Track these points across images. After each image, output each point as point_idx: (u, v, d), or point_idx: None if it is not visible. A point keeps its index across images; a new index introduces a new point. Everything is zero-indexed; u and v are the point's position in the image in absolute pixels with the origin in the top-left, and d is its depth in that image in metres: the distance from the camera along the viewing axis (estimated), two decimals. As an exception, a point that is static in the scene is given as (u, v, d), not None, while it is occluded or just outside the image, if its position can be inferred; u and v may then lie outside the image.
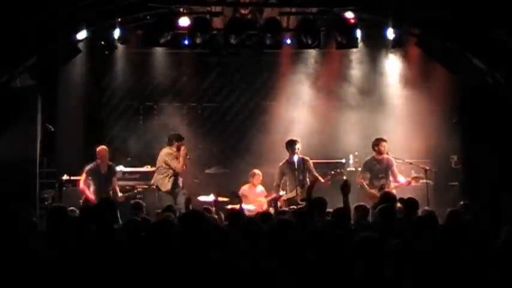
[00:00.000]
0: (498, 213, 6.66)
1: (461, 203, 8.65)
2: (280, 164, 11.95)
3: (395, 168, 11.82)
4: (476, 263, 4.61)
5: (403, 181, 11.73)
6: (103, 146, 12.34)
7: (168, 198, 12.02)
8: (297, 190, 11.48)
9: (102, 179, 12.07)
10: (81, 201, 11.63)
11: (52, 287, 4.88)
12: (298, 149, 11.67)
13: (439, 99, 12.89)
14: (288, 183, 11.85)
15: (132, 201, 9.85)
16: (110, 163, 12.32)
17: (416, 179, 11.85)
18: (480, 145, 11.46)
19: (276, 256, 4.77)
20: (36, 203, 11.90)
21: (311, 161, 11.97)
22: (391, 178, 11.73)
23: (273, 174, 12.29)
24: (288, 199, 11.55)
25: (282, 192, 11.84)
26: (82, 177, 12.05)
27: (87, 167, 12.06)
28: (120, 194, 12.11)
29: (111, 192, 12.01)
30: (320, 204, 7.90)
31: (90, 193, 11.87)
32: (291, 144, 11.73)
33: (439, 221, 6.57)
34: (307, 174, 11.71)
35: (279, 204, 11.59)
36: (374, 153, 11.84)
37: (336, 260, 4.50)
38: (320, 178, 11.54)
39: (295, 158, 11.62)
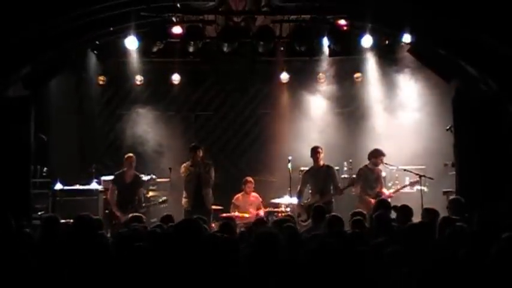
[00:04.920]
0: (495, 220, 6.64)
1: (451, 198, 8.60)
2: (305, 170, 12.02)
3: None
4: (473, 269, 4.60)
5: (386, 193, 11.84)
6: (130, 154, 12.24)
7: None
8: (317, 197, 11.58)
9: (126, 188, 11.91)
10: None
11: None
12: (320, 155, 11.75)
13: (434, 106, 12.93)
14: (310, 190, 11.96)
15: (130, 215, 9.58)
16: (136, 173, 12.17)
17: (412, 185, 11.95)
18: (474, 151, 11.47)
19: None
20: (29, 213, 11.81)
21: (335, 169, 12.06)
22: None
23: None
24: (309, 205, 11.52)
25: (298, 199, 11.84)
26: (110, 187, 12.05)
27: (113, 176, 12.10)
28: (143, 205, 11.76)
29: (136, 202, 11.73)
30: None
31: (114, 205, 11.76)
32: (313, 152, 11.83)
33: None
34: (330, 182, 11.77)
35: (297, 210, 11.60)
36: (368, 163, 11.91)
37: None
38: (341, 188, 11.77)
39: (319, 165, 11.76)
